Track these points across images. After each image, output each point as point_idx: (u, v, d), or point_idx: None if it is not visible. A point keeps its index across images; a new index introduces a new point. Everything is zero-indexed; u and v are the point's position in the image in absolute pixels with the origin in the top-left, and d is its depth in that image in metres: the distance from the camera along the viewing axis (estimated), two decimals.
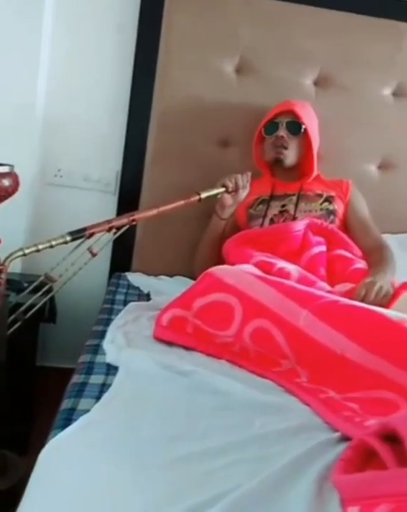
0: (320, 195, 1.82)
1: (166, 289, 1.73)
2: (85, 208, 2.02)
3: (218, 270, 1.29)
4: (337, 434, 0.87)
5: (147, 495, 0.65)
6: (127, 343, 1.19)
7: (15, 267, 1.87)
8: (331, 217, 1.78)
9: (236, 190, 1.69)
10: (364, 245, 1.73)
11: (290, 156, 1.81)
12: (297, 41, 1.98)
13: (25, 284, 1.67)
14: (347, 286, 1.46)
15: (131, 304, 1.53)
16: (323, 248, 1.63)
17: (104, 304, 1.59)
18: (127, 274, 1.97)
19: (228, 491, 0.68)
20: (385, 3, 1.99)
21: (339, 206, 1.81)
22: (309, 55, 2.00)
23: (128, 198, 2.01)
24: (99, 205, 2.05)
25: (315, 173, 1.87)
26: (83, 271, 1.86)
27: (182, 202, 1.59)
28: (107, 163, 2.05)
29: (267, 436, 0.84)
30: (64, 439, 0.78)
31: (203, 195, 1.62)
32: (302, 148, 1.84)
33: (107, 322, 1.37)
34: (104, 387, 0.98)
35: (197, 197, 1.61)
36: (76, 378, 1.03)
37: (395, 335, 1.04)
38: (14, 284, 1.71)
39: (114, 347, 1.17)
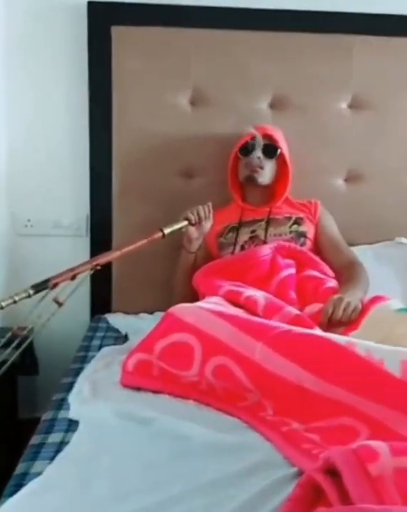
0: (289, 218, 1.84)
1: (146, 327, 1.69)
2: (58, 254, 2.05)
3: (178, 310, 1.31)
4: (295, 470, 0.87)
5: None
6: (92, 393, 1.20)
7: None
8: (302, 239, 1.80)
9: (199, 221, 1.71)
10: (336, 264, 1.74)
11: (265, 176, 1.84)
12: (248, 67, 2.02)
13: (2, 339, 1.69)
14: (317, 306, 1.46)
15: (105, 348, 1.53)
16: (292, 270, 1.63)
17: (77, 351, 1.60)
18: (107, 315, 1.98)
19: None
20: (330, 17, 2.02)
21: (308, 227, 1.83)
22: (262, 80, 2.03)
23: (100, 239, 2.04)
24: (72, 249, 2.08)
25: (286, 194, 1.89)
26: (61, 317, 1.89)
27: (145, 240, 1.61)
28: (76, 208, 2.09)
29: (220, 480, 0.84)
30: (10, 508, 0.78)
31: (167, 230, 1.64)
32: (276, 171, 1.87)
33: (78, 372, 1.37)
34: (62, 446, 0.98)
35: (160, 233, 1.63)
36: (34, 439, 1.04)
37: (345, 361, 1.05)
38: None
39: (78, 399, 1.17)
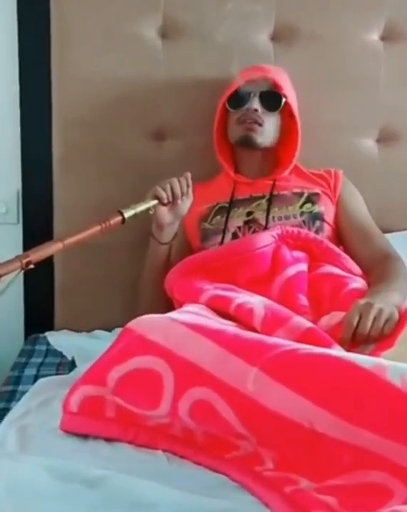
0: (300, 194, 1.82)
1: (101, 349, 1.70)
2: None
3: (140, 324, 1.28)
4: None
5: None
6: (20, 445, 1.17)
7: None
8: (317, 222, 1.79)
9: (174, 200, 1.68)
10: (364, 257, 1.73)
11: (265, 135, 1.82)
12: None
13: None
14: (337, 316, 1.45)
15: (42, 380, 1.50)
16: (303, 267, 1.62)
17: (3, 385, 1.57)
18: (47, 334, 1.97)
19: None
20: None
21: (326, 207, 1.82)
22: (259, 1, 2.01)
23: (37, 227, 2.02)
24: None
25: (294, 161, 1.88)
26: None
27: (98, 227, 1.58)
28: (3, 185, 2.08)
29: None
30: None
31: (128, 213, 1.60)
32: (280, 129, 1.85)
33: (1, 415, 1.34)
34: None
35: (119, 217, 1.60)
36: None
37: (374, 392, 1.03)
38: None
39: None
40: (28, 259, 1.50)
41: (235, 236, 1.79)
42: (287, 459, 1.06)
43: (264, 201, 1.81)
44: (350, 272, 1.66)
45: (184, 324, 1.26)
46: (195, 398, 1.15)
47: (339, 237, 1.82)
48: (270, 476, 1.04)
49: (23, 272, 1.53)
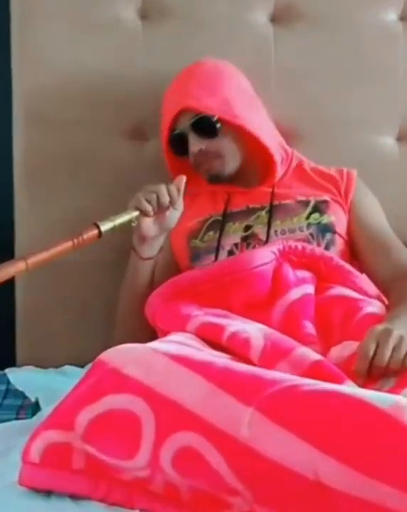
0: (305, 203, 1.81)
1: (67, 387, 1.70)
2: None
3: (113, 355, 1.26)
4: None
5: None
6: None
7: None
8: (328, 235, 1.78)
9: (160, 211, 1.66)
10: (383, 275, 1.74)
11: (230, 161, 1.81)
12: None
13: None
14: (350, 346, 1.45)
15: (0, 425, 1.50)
16: (309, 288, 1.61)
17: None
18: (7, 371, 1.94)
19: None
20: None
21: (337, 215, 1.81)
22: None
23: None
24: None
25: (279, 171, 1.84)
26: None
27: (70, 242, 1.57)
28: None
29: None
30: None
31: (106, 226, 1.59)
32: (241, 140, 1.82)
33: None
34: None
35: (95, 231, 1.58)
36: None
37: (393, 437, 1.01)
38: None
39: None
40: None
41: (231, 255, 1.78)
42: None
43: (264, 213, 1.81)
44: (364, 293, 1.65)
45: (167, 355, 1.24)
46: (179, 445, 1.13)
47: (352, 250, 1.81)
48: None
49: None
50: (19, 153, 2.01)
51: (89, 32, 2.00)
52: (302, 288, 1.61)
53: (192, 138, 1.78)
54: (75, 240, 1.57)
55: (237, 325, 1.47)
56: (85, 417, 1.20)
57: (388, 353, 1.33)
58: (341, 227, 1.81)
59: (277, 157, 1.82)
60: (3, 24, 1.97)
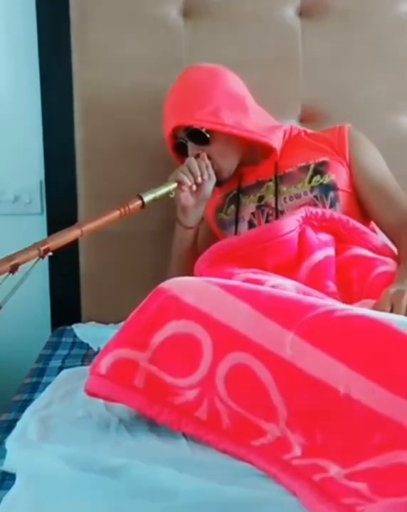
0: (306, 168, 1.76)
1: None
2: (5, 239, 2.03)
3: (173, 285, 1.27)
4: None
5: None
6: (42, 435, 1.17)
7: None
8: (331, 193, 1.73)
9: (197, 183, 1.67)
10: (389, 222, 1.70)
11: (225, 165, 1.78)
12: None
13: None
14: (367, 304, 1.41)
15: (65, 372, 1.51)
16: (330, 251, 1.59)
17: (27, 377, 1.58)
18: (74, 326, 1.97)
19: None
20: None
21: (338, 173, 1.74)
22: None
23: (61, 215, 2.02)
24: (23, 232, 2.05)
25: (278, 148, 1.78)
26: (10, 329, 1.87)
27: (117, 212, 1.58)
28: (25, 174, 2.09)
29: None
30: None
31: (148, 197, 1.60)
32: (236, 140, 1.78)
33: (24, 406, 1.35)
34: None
35: (139, 202, 1.60)
36: None
37: None
38: None
39: (19, 444, 1.14)
40: (46, 247, 1.51)
41: (251, 223, 1.78)
42: (316, 444, 1.04)
43: (271, 184, 1.78)
44: (378, 251, 1.63)
45: (218, 285, 1.25)
46: (234, 362, 1.15)
47: (358, 202, 1.76)
48: (298, 464, 1.02)
49: (44, 260, 1.53)
50: (80, 137, 2.01)
51: (138, 30, 1.98)
52: (325, 250, 1.59)
53: (190, 146, 1.76)
54: (122, 210, 1.59)
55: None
56: (156, 340, 1.21)
57: (402, 313, 1.30)
58: (343, 182, 1.74)
59: (274, 141, 1.76)
60: (64, 26, 1.95)
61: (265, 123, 1.81)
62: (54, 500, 0.96)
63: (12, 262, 1.45)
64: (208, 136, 1.73)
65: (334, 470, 0.98)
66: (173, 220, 1.82)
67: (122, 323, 1.91)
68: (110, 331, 1.87)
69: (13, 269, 1.46)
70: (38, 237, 1.95)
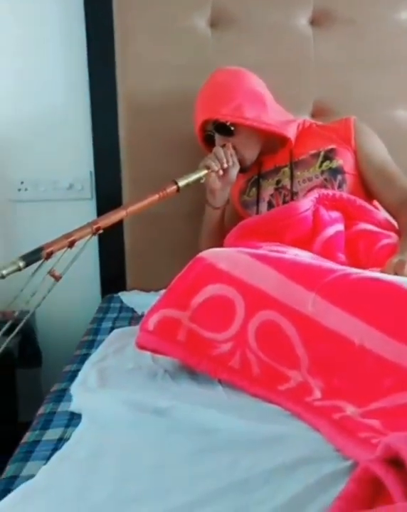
0: (317, 155, 1.74)
1: None
2: (60, 222, 2.02)
3: (209, 254, 1.27)
4: (348, 463, 0.83)
5: None
6: (100, 382, 1.18)
7: None
8: (339, 176, 1.71)
9: (223, 169, 1.66)
10: (390, 200, 1.67)
11: (247, 154, 1.76)
12: None
13: None
14: (373, 273, 1.40)
15: (116, 331, 1.52)
16: (340, 226, 1.57)
17: (84, 335, 1.59)
18: (121, 294, 1.97)
19: None
20: None
21: (345, 158, 1.73)
22: None
23: (108, 200, 2.01)
24: (76, 215, 2.03)
25: (292, 138, 1.77)
26: (67, 299, 1.88)
27: (156, 195, 1.58)
28: (77, 165, 2.08)
29: (253, 479, 0.80)
30: None
31: (182, 182, 1.61)
32: (257, 132, 1.76)
33: (84, 359, 1.36)
34: (60, 443, 0.96)
35: (174, 187, 1.60)
36: (26, 437, 1.02)
37: None
38: None
39: (82, 390, 1.16)
40: (97, 225, 1.52)
41: (270, 203, 1.78)
42: (334, 384, 1.04)
43: (287, 169, 1.77)
44: (382, 226, 1.61)
45: (249, 254, 1.25)
46: (263, 319, 1.14)
47: (362, 183, 1.74)
48: (319, 405, 1.01)
49: (94, 236, 1.54)
50: (123, 134, 2.00)
51: (172, 40, 1.97)
52: (335, 226, 1.58)
53: (217, 137, 1.75)
54: (160, 193, 1.59)
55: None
56: (195, 301, 1.21)
57: None
58: (350, 166, 1.73)
59: (289, 132, 1.75)
60: (109, 38, 1.94)
61: (282, 117, 1.79)
62: (114, 435, 0.97)
63: (70, 239, 1.47)
64: (232, 128, 1.71)
65: (350, 410, 0.98)
66: (203, 202, 1.81)
67: (162, 291, 1.92)
68: (151, 298, 1.88)
69: (71, 245, 1.48)
70: (89, 219, 1.98)
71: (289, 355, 1.10)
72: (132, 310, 1.80)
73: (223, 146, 1.72)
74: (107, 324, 1.66)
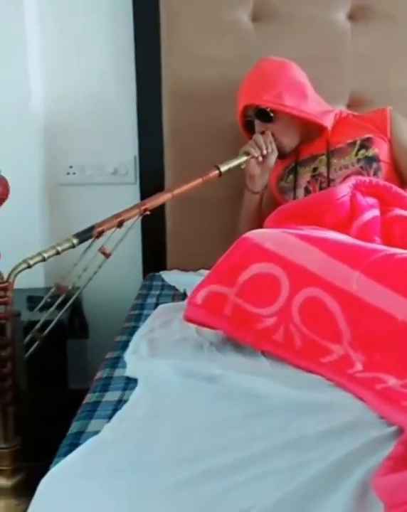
0: (353, 143, 1.75)
1: None
2: (106, 204, 2.03)
3: (256, 235, 1.28)
4: (392, 429, 0.84)
5: None
6: (151, 351, 1.20)
7: (37, 281, 1.94)
8: (375, 164, 1.72)
9: (263, 155, 1.67)
10: None
11: (286, 141, 1.77)
12: None
13: (49, 300, 1.72)
14: None
15: (162, 306, 1.54)
16: (376, 212, 1.56)
17: (131, 310, 1.62)
18: (162, 273, 1.99)
19: (249, 508, 0.67)
20: None
21: (380, 147, 1.73)
22: None
23: (151, 185, 2.02)
24: (121, 198, 2.06)
25: (329, 128, 1.77)
26: (111, 276, 1.91)
27: (199, 180, 1.60)
28: (122, 150, 2.09)
29: (304, 440, 0.82)
30: (64, 468, 0.79)
31: (224, 168, 1.62)
32: (296, 120, 1.77)
33: (133, 330, 1.39)
34: (119, 404, 0.99)
35: (216, 171, 1.61)
36: (88, 398, 1.05)
37: None
38: (37, 301, 1.76)
39: (135, 358, 1.18)
40: (145, 207, 1.54)
41: (307, 189, 1.78)
42: (376, 358, 1.05)
43: (324, 157, 1.77)
44: None
45: (293, 234, 1.26)
46: (307, 295, 1.15)
47: (397, 171, 1.74)
48: (361, 376, 1.02)
49: (140, 217, 1.56)
50: (167, 121, 2.01)
51: (215, 32, 1.96)
52: (372, 212, 1.55)
53: (257, 123, 1.76)
54: (203, 178, 1.60)
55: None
56: (242, 278, 1.22)
57: None
58: (385, 155, 1.73)
59: (326, 121, 1.76)
60: (155, 29, 1.95)
61: (320, 107, 1.80)
62: (169, 398, 0.99)
63: (119, 219, 1.49)
64: (271, 115, 1.72)
65: (392, 381, 0.98)
66: (241, 188, 1.82)
67: (201, 271, 1.96)
68: (190, 277, 1.93)
69: (120, 224, 1.50)
70: (132, 202, 2.00)
71: (332, 330, 1.11)
72: (174, 288, 1.81)
73: (263, 133, 1.72)
74: (151, 300, 1.69)
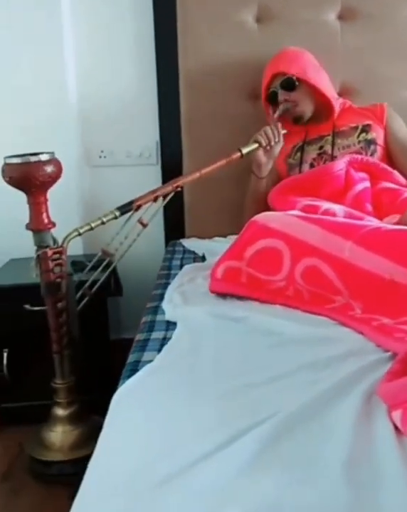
0: (355, 127, 1.83)
1: (220, 248, 1.71)
2: (132, 182, 2.10)
3: (262, 217, 1.33)
4: (388, 354, 0.92)
5: (200, 422, 0.75)
6: (183, 301, 1.27)
7: (76, 248, 2.01)
8: (372, 146, 1.79)
9: (270, 144, 1.72)
10: None
11: (301, 106, 1.82)
12: None
13: (88, 263, 1.80)
14: (395, 217, 1.46)
15: (187, 266, 1.60)
16: (367, 184, 1.63)
17: (161, 270, 1.69)
18: (181, 240, 2.05)
19: (277, 412, 0.75)
20: None
21: (378, 133, 1.82)
22: None
23: (171, 166, 2.08)
24: (145, 178, 2.13)
25: (336, 111, 1.85)
26: (140, 243, 1.97)
27: (224, 161, 1.65)
28: (146, 136, 2.14)
29: (317, 362, 0.90)
30: (132, 384, 0.88)
31: (245, 150, 1.69)
32: (312, 95, 1.83)
33: (165, 285, 1.46)
34: (164, 341, 1.08)
35: (238, 153, 1.67)
36: (139, 336, 1.14)
37: None
38: (78, 265, 1.84)
39: (171, 306, 1.25)
40: (177, 184, 1.60)
41: (311, 166, 1.83)
42: (372, 305, 1.10)
43: (329, 137, 1.83)
44: (401, 185, 1.66)
45: (295, 215, 1.31)
46: (306, 264, 1.20)
47: (389, 155, 1.82)
48: (360, 317, 1.09)
49: (173, 193, 1.62)
50: (183, 111, 2.05)
51: (224, 31, 1.99)
52: (363, 184, 1.63)
53: (280, 93, 1.80)
54: (227, 159, 1.65)
55: (326, 205, 1.50)
56: (249, 252, 1.28)
57: None
58: (381, 140, 1.82)
59: (335, 104, 1.84)
60: (172, 29, 1.98)
61: (332, 93, 1.88)
62: (205, 335, 1.07)
63: (155, 194, 1.55)
64: (296, 83, 1.78)
65: (386, 320, 1.05)
66: (248, 169, 1.86)
67: (215, 238, 2.02)
68: (206, 243, 1.99)
69: (155, 199, 1.57)
70: (155, 182, 2.08)
71: (331, 290, 1.17)
72: (193, 252, 1.88)
73: (285, 100, 1.79)
74: (176, 262, 1.76)
